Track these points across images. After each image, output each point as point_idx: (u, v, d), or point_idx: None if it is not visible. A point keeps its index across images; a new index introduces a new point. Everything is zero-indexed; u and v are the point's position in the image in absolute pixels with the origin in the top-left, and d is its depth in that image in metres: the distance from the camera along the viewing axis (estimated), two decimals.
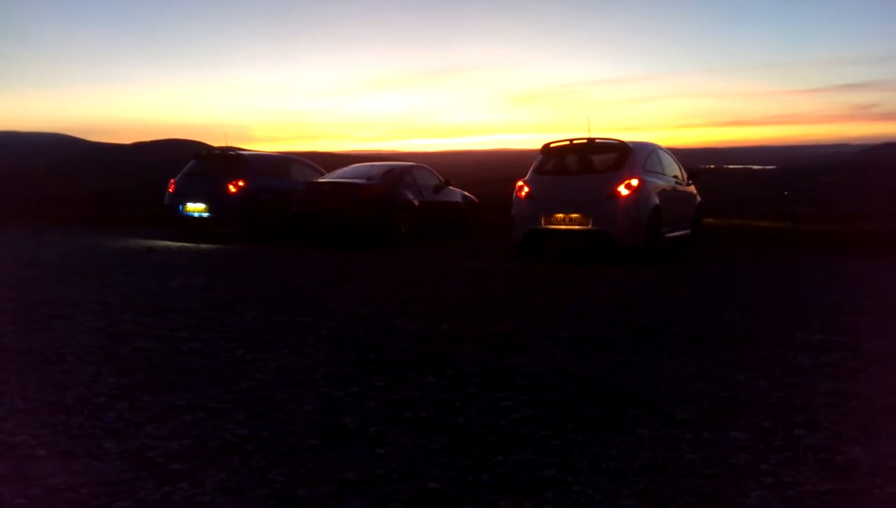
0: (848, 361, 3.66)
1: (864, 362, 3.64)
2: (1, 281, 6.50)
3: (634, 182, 8.10)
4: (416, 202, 10.69)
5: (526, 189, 8.67)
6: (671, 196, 9.01)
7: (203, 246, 10.28)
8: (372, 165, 11.46)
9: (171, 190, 11.32)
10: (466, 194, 12.73)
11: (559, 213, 8.33)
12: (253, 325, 4.55)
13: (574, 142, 8.87)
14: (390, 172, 10.83)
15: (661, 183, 8.77)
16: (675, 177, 9.59)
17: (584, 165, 8.72)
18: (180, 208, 11.11)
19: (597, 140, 8.77)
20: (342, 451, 2.41)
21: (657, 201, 8.33)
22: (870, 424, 2.70)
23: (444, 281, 6.79)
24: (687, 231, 9.78)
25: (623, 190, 8.05)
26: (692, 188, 10.19)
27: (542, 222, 8.43)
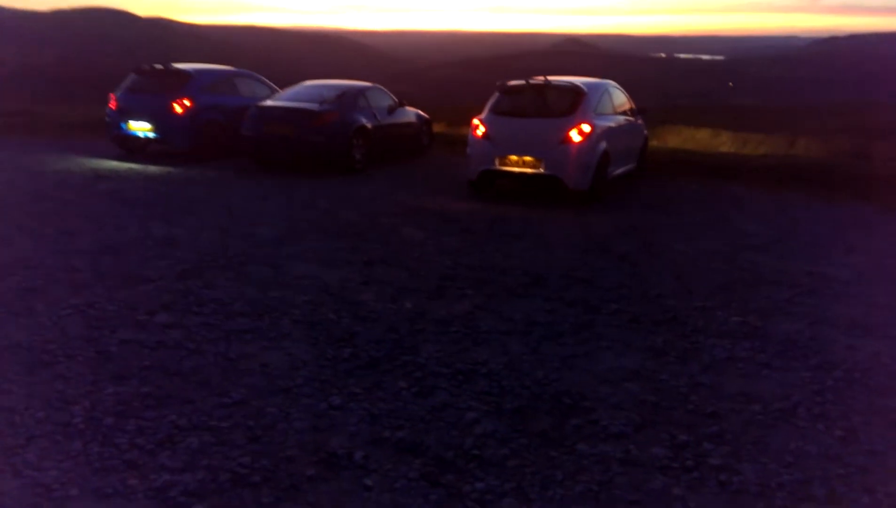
0: (757, 353, 4.30)
1: (770, 354, 4.28)
2: None
3: (586, 128, 8.38)
4: (370, 126, 10.68)
5: (482, 129, 8.84)
6: (620, 135, 9.36)
7: (150, 169, 10.11)
8: (324, 86, 11.22)
9: (112, 106, 10.87)
10: (420, 112, 12.69)
11: (513, 155, 8.60)
12: (226, 303, 4.82)
13: (530, 83, 8.97)
14: (343, 95, 10.66)
15: (610, 124, 9.08)
16: (625, 112, 9.89)
17: (539, 108, 8.88)
18: (123, 126, 10.76)
19: (552, 82, 8.89)
20: (336, 482, 2.86)
21: (606, 145, 8.67)
22: (762, 436, 3.33)
23: (403, 230, 7.09)
24: (632, 165, 10.26)
25: (575, 136, 8.34)
26: (640, 123, 10.53)
27: (497, 163, 8.71)
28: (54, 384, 3.57)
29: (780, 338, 4.53)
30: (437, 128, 14.49)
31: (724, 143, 17.05)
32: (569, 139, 8.34)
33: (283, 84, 13.07)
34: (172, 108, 10.40)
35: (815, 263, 6.36)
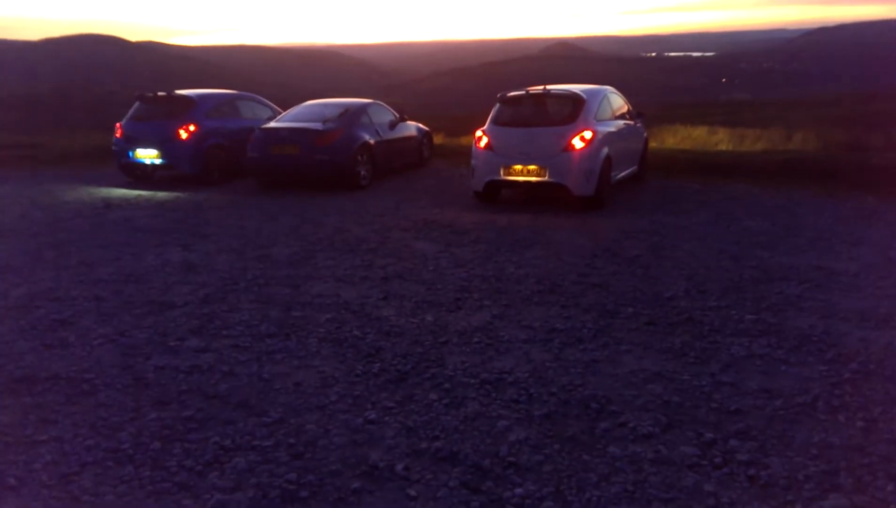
0: (773, 349, 4.42)
1: (787, 349, 4.41)
2: None
3: (588, 135, 8.54)
4: (373, 142, 10.84)
5: (485, 140, 8.99)
6: (621, 139, 9.53)
7: (159, 195, 10.25)
8: (325, 105, 11.38)
9: (118, 135, 11.05)
10: (421, 126, 12.87)
11: (517, 164, 8.76)
12: (252, 325, 4.95)
13: (530, 92, 9.13)
14: (346, 113, 10.82)
15: (611, 129, 9.24)
16: (624, 116, 10.05)
17: (540, 117, 9.04)
18: (130, 154, 10.93)
19: (552, 91, 9.05)
20: (381, 493, 2.97)
21: (608, 150, 8.83)
22: (786, 430, 3.45)
23: (416, 245, 7.22)
24: (634, 168, 10.42)
25: (577, 143, 8.49)
26: (640, 125, 10.69)
27: (502, 173, 8.87)
28: (98, 412, 3.68)
29: (795, 333, 4.65)
30: (437, 140, 14.68)
31: (721, 140, 17.21)
32: (571, 146, 8.49)
33: (278, 101, 13.27)
34: (178, 134, 10.56)
35: (822, 257, 6.49)
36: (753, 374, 4.06)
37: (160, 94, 11.24)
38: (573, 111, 8.78)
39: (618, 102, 10.04)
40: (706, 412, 3.63)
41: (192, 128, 10.62)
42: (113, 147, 11.17)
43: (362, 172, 10.55)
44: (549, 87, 9.21)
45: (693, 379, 4.00)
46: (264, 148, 10.32)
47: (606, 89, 9.84)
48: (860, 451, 3.23)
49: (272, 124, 10.71)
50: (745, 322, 4.87)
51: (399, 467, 3.15)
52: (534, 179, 8.72)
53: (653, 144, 13.83)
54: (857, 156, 12.25)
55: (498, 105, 9.26)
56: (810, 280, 5.79)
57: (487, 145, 8.95)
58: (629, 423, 3.51)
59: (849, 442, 3.31)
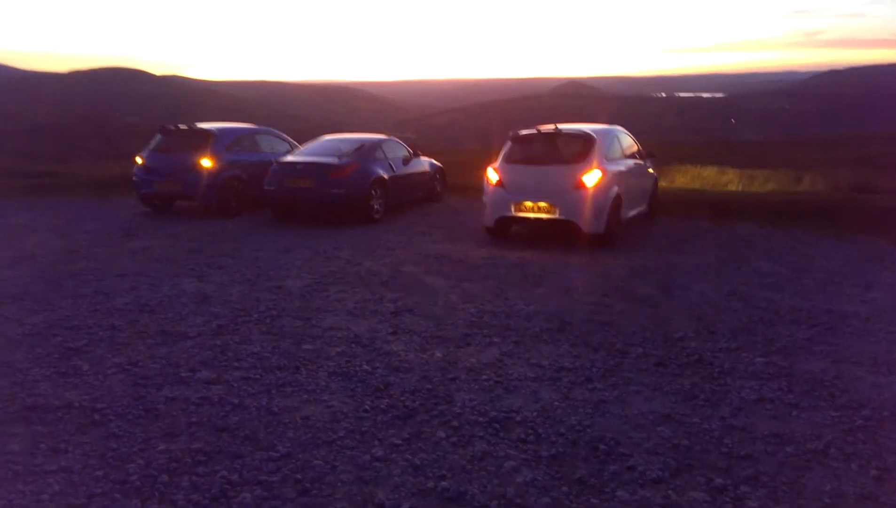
0: (784, 393, 4.38)
1: (798, 394, 4.37)
2: None
3: (598, 174, 8.63)
4: (387, 177, 10.99)
5: (496, 177, 9.11)
6: (631, 178, 9.62)
7: (177, 226, 10.41)
8: (342, 140, 11.59)
9: (139, 166, 11.27)
10: (434, 161, 13.04)
11: (528, 201, 8.85)
12: (263, 357, 4.98)
13: (541, 131, 9.27)
14: (361, 148, 11.01)
15: (621, 168, 9.33)
16: (634, 156, 10.15)
17: (551, 155, 9.16)
18: (150, 185, 11.13)
19: (563, 130, 9.19)
20: None
21: (618, 189, 8.90)
22: (798, 477, 3.41)
23: (427, 279, 7.27)
24: (644, 207, 10.48)
25: (588, 181, 8.58)
26: (649, 165, 10.78)
27: (513, 209, 8.96)
28: (108, 443, 3.71)
29: (806, 377, 4.62)
30: (450, 177, 14.83)
31: (731, 180, 17.27)
32: (582, 185, 8.58)
33: (296, 133, 13.54)
34: (197, 166, 10.78)
35: (833, 300, 6.46)
36: (764, 418, 4.03)
37: (181, 126, 11.51)
38: (584, 150, 8.89)
39: (628, 141, 10.16)
40: (716, 457, 3.60)
41: (211, 160, 10.83)
42: (134, 178, 11.40)
43: (375, 206, 10.68)
44: (559, 126, 9.35)
45: (703, 422, 3.98)
46: (281, 181, 10.49)
47: (617, 129, 9.97)
48: (873, 501, 3.18)
49: (289, 158, 10.91)
50: (756, 365, 4.84)
51: (405, 507, 3.14)
52: (544, 216, 8.80)
53: (662, 184, 13.90)
54: (867, 198, 12.24)
55: (509, 143, 9.40)
56: (821, 323, 5.76)
57: (499, 182, 9.06)
58: (638, 466, 3.49)
59: (862, 491, 3.26)
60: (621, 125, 10.47)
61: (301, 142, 12.32)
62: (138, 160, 11.33)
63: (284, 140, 12.58)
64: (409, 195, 11.91)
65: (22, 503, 3.14)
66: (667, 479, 3.38)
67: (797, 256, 8.46)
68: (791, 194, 13.53)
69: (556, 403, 4.23)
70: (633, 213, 9.82)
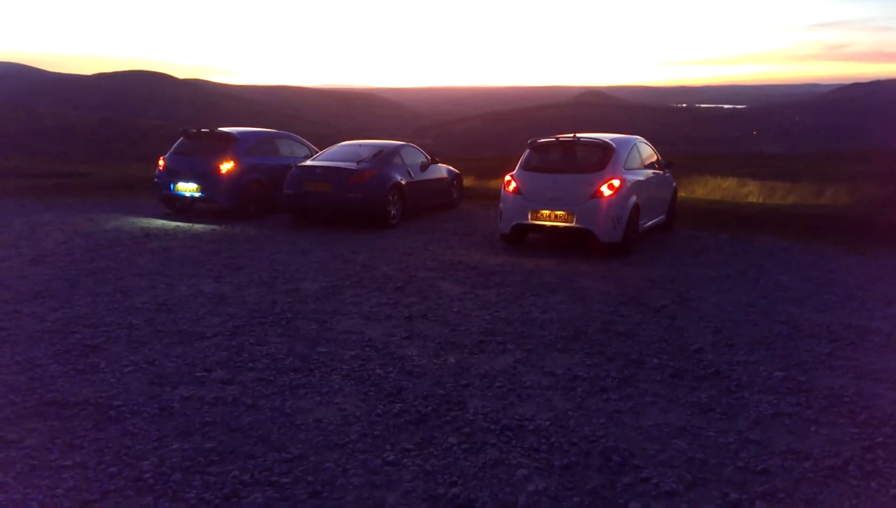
0: (803, 408, 4.31)
1: (817, 409, 4.29)
2: (16, 285, 6.77)
3: (616, 183, 8.58)
4: (404, 183, 11.03)
5: (514, 184, 9.10)
6: (649, 188, 9.55)
7: (197, 227, 10.52)
8: (360, 145, 11.66)
9: (161, 168, 11.43)
10: (451, 168, 13.07)
11: (545, 209, 8.82)
12: (278, 359, 5.01)
13: (560, 139, 9.25)
14: (379, 153, 11.07)
15: (640, 178, 9.27)
16: (653, 166, 10.08)
17: (570, 164, 9.14)
18: (171, 186, 11.28)
19: (581, 139, 9.16)
20: None
21: (636, 198, 8.85)
22: (815, 494, 3.34)
23: (441, 285, 7.26)
24: (662, 217, 10.39)
25: (605, 190, 8.54)
26: (668, 175, 10.70)
27: (529, 217, 8.94)
28: (122, 440, 3.75)
29: (826, 393, 4.54)
30: (467, 182, 14.86)
31: (751, 192, 17.08)
32: (600, 193, 8.54)
33: (317, 140, 13.65)
34: (218, 169, 10.91)
35: (854, 315, 6.35)
36: (782, 433, 3.96)
37: (203, 130, 11.67)
38: (602, 159, 8.86)
39: (647, 151, 10.09)
40: (732, 471, 3.54)
41: (231, 164, 10.96)
42: (155, 179, 11.57)
43: (392, 212, 10.72)
44: (578, 134, 9.32)
45: (719, 436, 3.92)
46: (300, 185, 10.58)
47: (636, 139, 9.91)
48: None
49: (308, 163, 10.99)
50: (774, 379, 4.77)
51: None
52: (561, 224, 8.76)
53: (682, 194, 13.78)
54: (889, 213, 12.03)
55: (528, 151, 9.39)
56: (842, 338, 5.66)
57: (516, 190, 9.05)
58: (652, 479, 3.45)
59: None
60: (641, 135, 10.41)
61: (321, 147, 12.42)
62: (160, 162, 11.50)
63: (304, 145, 12.69)
64: (427, 201, 11.94)
65: (37, 497, 3.18)
66: (681, 492, 3.33)
67: (818, 270, 8.33)
68: (813, 207, 13.33)
69: (569, 412, 4.20)
70: (651, 222, 9.75)
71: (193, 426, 3.92)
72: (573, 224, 8.70)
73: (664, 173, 10.44)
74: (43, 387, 4.42)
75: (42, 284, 7.00)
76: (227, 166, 10.91)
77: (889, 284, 7.66)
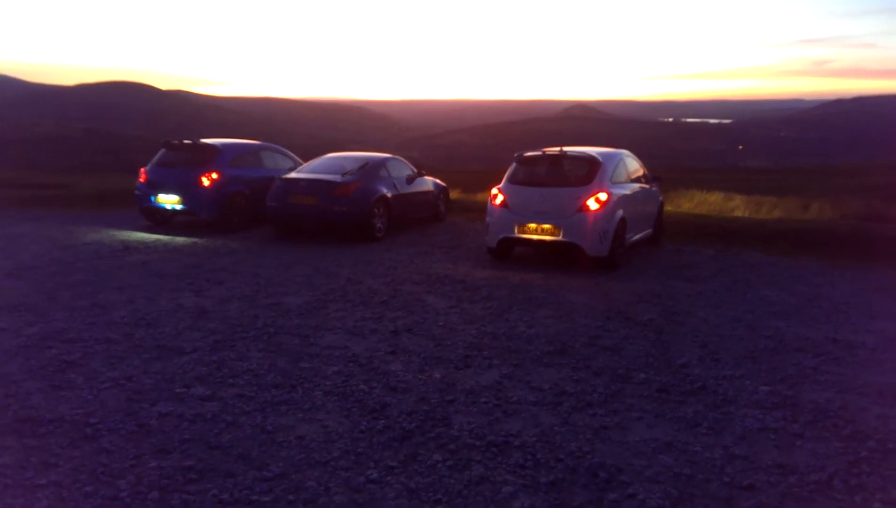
0: (789, 423, 4.30)
1: (802, 423, 4.29)
2: None
3: (603, 197, 8.60)
4: (390, 196, 10.99)
5: (500, 198, 9.09)
6: (636, 202, 9.58)
7: (177, 240, 10.40)
8: (346, 158, 11.62)
9: (142, 180, 11.31)
10: (438, 181, 13.06)
11: (532, 223, 8.82)
12: (259, 375, 4.92)
13: (546, 153, 9.28)
14: (364, 166, 11.03)
15: (626, 192, 9.31)
16: (639, 180, 10.13)
17: (556, 177, 9.15)
18: (152, 198, 11.15)
19: (568, 152, 9.19)
20: None
21: (622, 212, 8.87)
22: None
23: (427, 299, 7.21)
24: (649, 231, 10.43)
25: (592, 204, 8.55)
26: (655, 189, 10.76)
27: (516, 230, 8.92)
28: (99, 458, 3.64)
29: (811, 407, 4.53)
30: (453, 195, 14.85)
31: (737, 206, 17.22)
32: (586, 207, 8.55)
33: (302, 151, 13.58)
34: (200, 181, 10.80)
35: (840, 329, 6.38)
36: (768, 448, 3.95)
37: (186, 141, 11.56)
38: (589, 173, 8.88)
39: (633, 165, 10.15)
40: (718, 487, 3.51)
41: (214, 175, 10.86)
42: (136, 191, 11.43)
43: (378, 225, 10.66)
44: (565, 148, 9.35)
45: (705, 451, 3.89)
46: (284, 197, 10.50)
47: (622, 153, 9.96)
48: None
49: (292, 175, 10.92)
50: (760, 394, 4.76)
51: None
52: (548, 238, 8.76)
53: (668, 208, 13.87)
54: (874, 227, 12.18)
55: (514, 164, 9.40)
56: (827, 352, 5.68)
57: (502, 203, 9.04)
58: (638, 495, 3.41)
59: None
60: (628, 149, 10.47)
61: (307, 159, 12.36)
62: (141, 174, 11.37)
63: (288, 156, 12.63)
64: (413, 214, 11.90)
65: None
66: None
67: (804, 284, 8.38)
68: (798, 221, 13.46)
69: (555, 428, 4.16)
70: (637, 236, 9.78)
71: (172, 444, 3.82)
72: (560, 238, 8.70)
73: (651, 187, 10.49)
74: (18, 403, 4.30)
75: (18, 297, 6.85)
76: (209, 179, 10.81)
77: (874, 298, 7.72)
